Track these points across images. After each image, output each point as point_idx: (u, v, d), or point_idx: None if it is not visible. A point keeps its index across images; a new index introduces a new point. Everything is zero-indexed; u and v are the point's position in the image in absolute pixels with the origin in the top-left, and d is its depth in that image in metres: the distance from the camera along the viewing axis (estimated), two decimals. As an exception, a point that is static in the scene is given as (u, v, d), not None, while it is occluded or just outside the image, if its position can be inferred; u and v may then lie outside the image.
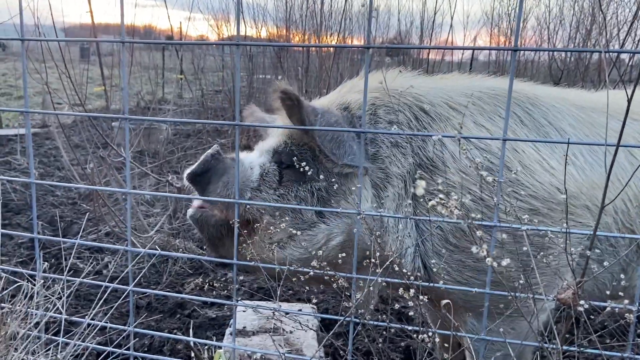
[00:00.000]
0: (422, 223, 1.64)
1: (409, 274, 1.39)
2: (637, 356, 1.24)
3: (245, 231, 1.59)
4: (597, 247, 1.73)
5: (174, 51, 11.74)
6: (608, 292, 1.68)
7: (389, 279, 1.41)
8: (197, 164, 1.71)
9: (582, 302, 1.05)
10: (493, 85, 1.77)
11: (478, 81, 1.84)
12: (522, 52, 7.68)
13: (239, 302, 2.01)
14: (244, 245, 1.56)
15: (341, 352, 2.18)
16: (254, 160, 1.76)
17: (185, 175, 1.72)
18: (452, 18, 6.38)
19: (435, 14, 7.17)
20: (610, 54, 6.22)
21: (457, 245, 1.61)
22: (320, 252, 1.60)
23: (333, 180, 1.63)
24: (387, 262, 1.40)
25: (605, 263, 1.35)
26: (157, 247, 2.92)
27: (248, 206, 1.60)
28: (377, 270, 1.37)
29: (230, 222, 1.57)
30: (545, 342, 1.24)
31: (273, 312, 1.53)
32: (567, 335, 1.26)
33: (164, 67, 10.94)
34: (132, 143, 4.33)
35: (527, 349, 1.76)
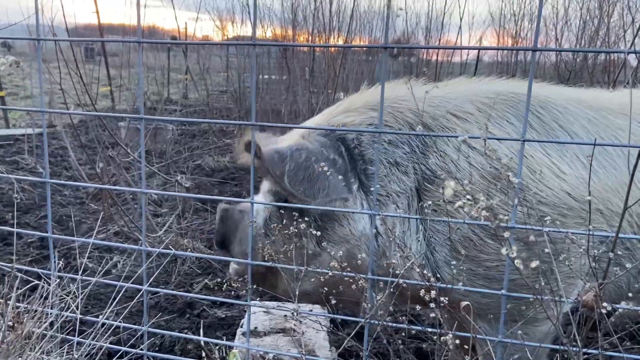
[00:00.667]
0: (430, 235, 1.64)
1: (429, 275, 1.39)
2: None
3: (270, 273, 1.73)
4: (615, 251, 1.72)
5: (179, 52, 11.79)
6: (631, 295, 1.67)
7: (409, 281, 1.41)
8: (215, 234, 1.82)
9: (604, 304, 1.04)
10: (500, 90, 1.75)
11: (484, 86, 1.81)
12: (525, 53, 7.68)
13: (253, 302, 2.01)
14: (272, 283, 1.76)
15: (353, 352, 2.18)
16: (258, 205, 1.78)
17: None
18: (461, 19, 6.37)
19: (444, 14, 7.16)
20: (619, 55, 6.21)
21: (467, 255, 1.60)
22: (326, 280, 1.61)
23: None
24: (409, 264, 1.40)
25: (628, 265, 1.34)
26: (170, 246, 2.92)
27: (265, 253, 1.62)
28: (397, 271, 1.36)
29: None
30: (565, 345, 1.23)
31: (291, 313, 1.53)
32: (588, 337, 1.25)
33: (169, 67, 10.96)
34: (139, 143, 4.35)
35: (542, 354, 1.75)
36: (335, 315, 1.74)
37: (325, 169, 1.55)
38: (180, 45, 10.16)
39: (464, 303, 1.33)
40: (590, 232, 1.17)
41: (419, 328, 1.36)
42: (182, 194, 2.55)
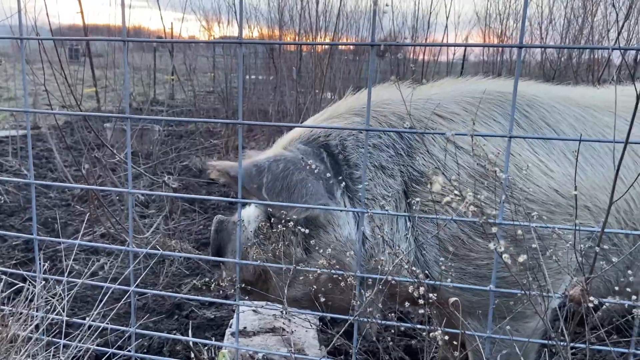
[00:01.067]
0: (420, 235, 1.64)
1: (417, 271, 1.39)
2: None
3: (261, 281, 1.75)
4: (601, 246, 1.73)
5: (165, 52, 11.70)
6: (617, 288, 1.69)
7: (397, 277, 1.41)
8: (210, 245, 1.83)
9: (591, 298, 1.05)
10: (486, 89, 1.75)
11: (470, 86, 1.82)
12: (511, 52, 7.76)
13: (241, 302, 2.00)
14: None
15: (343, 350, 2.18)
16: (251, 214, 1.80)
17: None
18: (447, 18, 6.40)
19: (430, 13, 7.19)
20: (603, 52, 6.29)
21: (456, 254, 1.61)
22: (315, 286, 1.61)
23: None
24: (397, 260, 1.41)
25: (614, 259, 1.36)
26: (158, 247, 2.90)
27: (258, 269, 1.64)
28: (387, 268, 1.36)
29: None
30: (553, 339, 1.24)
31: (280, 312, 1.53)
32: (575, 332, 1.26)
33: (155, 68, 10.88)
34: (125, 144, 4.30)
35: (531, 350, 1.77)
36: (323, 314, 1.74)
37: (302, 176, 1.56)
38: (166, 45, 10.09)
39: (452, 299, 1.34)
40: (577, 228, 1.18)
41: (408, 325, 1.36)
42: (169, 193, 2.53)
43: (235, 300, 1.63)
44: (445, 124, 1.70)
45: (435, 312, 2.01)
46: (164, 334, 1.70)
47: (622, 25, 4.46)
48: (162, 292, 1.85)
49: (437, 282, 1.45)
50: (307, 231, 1.62)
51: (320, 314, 1.81)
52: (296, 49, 8.22)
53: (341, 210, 1.63)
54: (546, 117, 1.74)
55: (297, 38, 8.71)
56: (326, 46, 6.94)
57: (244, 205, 1.88)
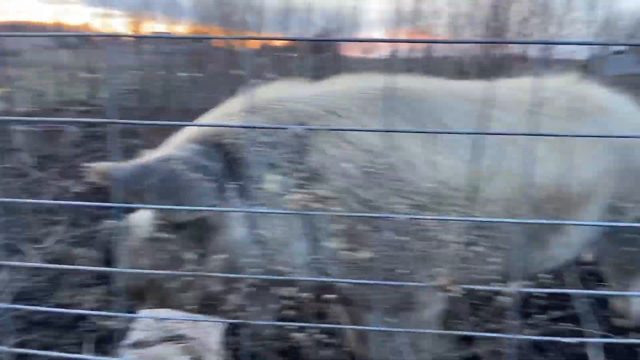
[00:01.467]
0: (319, 233, 1.62)
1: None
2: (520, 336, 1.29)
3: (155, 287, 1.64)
4: (485, 234, 1.78)
5: (85, 50, 11.16)
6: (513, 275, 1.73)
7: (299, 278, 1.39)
8: (101, 251, 1.70)
9: (455, 286, 1.06)
10: (378, 86, 1.76)
11: (363, 83, 1.82)
12: (435, 48, 7.98)
13: (133, 312, 1.92)
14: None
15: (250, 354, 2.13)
16: (143, 218, 1.69)
17: None
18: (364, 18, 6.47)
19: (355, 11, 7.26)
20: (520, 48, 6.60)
21: (352, 249, 1.60)
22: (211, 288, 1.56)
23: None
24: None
25: (480, 249, 1.39)
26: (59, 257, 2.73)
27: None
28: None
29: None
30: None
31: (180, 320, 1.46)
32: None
33: (75, 66, 10.35)
34: (34, 147, 4.05)
35: (424, 338, 1.79)
36: (220, 320, 1.69)
37: (192, 177, 1.49)
38: (88, 41, 9.64)
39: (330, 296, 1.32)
40: (461, 218, 1.19)
41: (292, 324, 1.33)
42: (45, 201, 2.38)
43: (128, 311, 1.55)
44: (337, 120, 1.69)
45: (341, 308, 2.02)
46: (47, 352, 1.58)
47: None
48: (41, 308, 1.73)
49: (323, 279, 1.43)
50: (199, 234, 1.57)
51: (218, 320, 1.76)
52: (224, 47, 8.07)
53: (224, 211, 1.57)
54: (435, 112, 1.77)
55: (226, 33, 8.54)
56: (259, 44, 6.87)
57: (135, 209, 1.79)
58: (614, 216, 2.05)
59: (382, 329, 1.44)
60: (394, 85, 1.82)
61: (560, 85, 2.16)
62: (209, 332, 1.96)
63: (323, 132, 1.64)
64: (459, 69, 7.72)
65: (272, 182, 1.24)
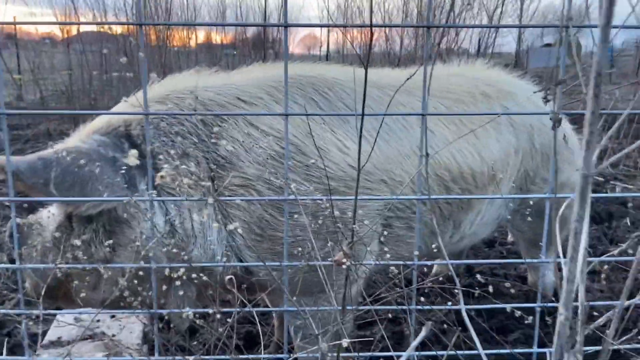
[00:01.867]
0: (225, 219, 1.63)
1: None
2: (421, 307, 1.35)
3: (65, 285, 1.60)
4: (399, 215, 1.85)
5: (13, 50, 10.63)
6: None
7: (206, 263, 1.39)
8: (5, 250, 1.65)
9: (347, 261, 1.10)
10: (293, 73, 1.78)
11: (273, 71, 1.84)
12: (374, 44, 8.16)
13: (46, 311, 1.86)
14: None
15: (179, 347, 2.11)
16: (49, 214, 1.65)
17: None
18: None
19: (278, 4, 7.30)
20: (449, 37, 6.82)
21: (263, 235, 1.62)
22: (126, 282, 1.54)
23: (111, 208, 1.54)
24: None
25: (366, 222, 1.44)
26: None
27: (60, 273, 1.48)
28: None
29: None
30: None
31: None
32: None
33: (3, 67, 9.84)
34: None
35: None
36: (135, 311, 1.66)
37: (97, 168, 1.47)
38: (11, 44, 9.21)
39: (227, 277, 1.34)
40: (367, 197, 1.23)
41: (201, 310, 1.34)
42: None
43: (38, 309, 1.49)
44: (248, 107, 1.70)
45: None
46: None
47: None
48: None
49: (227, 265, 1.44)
50: (108, 228, 1.54)
51: (133, 312, 1.74)
52: (156, 46, 7.90)
53: (130, 201, 1.55)
54: (345, 98, 1.81)
55: (159, 34, 8.37)
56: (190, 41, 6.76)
57: (42, 204, 1.74)
58: (523, 193, 2.17)
59: (311, 309, 1.46)
60: (307, 72, 1.86)
61: (469, 72, 2.26)
62: (130, 328, 1.94)
63: (233, 119, 1.65)
64: (394, 63, 7.90)
65: (131, 157, 1.24)
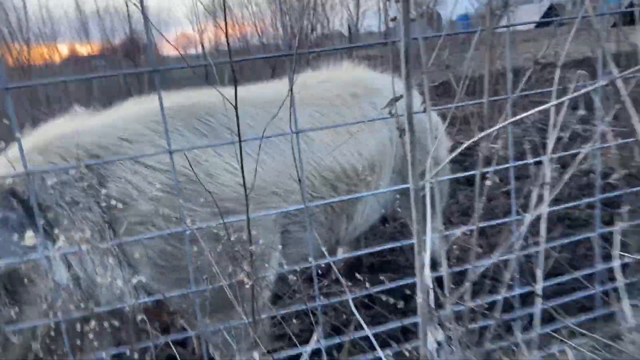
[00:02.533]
0: (132, 258, 1.67)
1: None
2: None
3: None
4: (295, 220, 1.99)
5: None
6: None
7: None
8: None
9: (249, 280, 1.22)
10: (168, 105, 1.82)
11: (151, 104, 1.86)
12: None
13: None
14: None
15: None
16: None
17: None
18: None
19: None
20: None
21: (167, 267, 1.69)
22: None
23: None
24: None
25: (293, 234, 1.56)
26: None
27: None
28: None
29: None
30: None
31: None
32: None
33: None
34: None
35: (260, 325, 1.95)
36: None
37: None
38: None
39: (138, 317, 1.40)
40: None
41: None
42: None
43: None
44: (131, 146, 1.72)
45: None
46: None
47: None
48: None
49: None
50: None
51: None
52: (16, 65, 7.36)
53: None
54: (226, 122, 1.89)
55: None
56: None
57: None
58: (403, 177, 2.41)
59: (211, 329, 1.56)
60: (186, 102, 1.91)
61: (337, 76, 2.44)
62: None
63: (119, 160, 1.67)
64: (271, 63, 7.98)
65: (28, 239, 1.28)
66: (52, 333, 1.42)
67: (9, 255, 1.50)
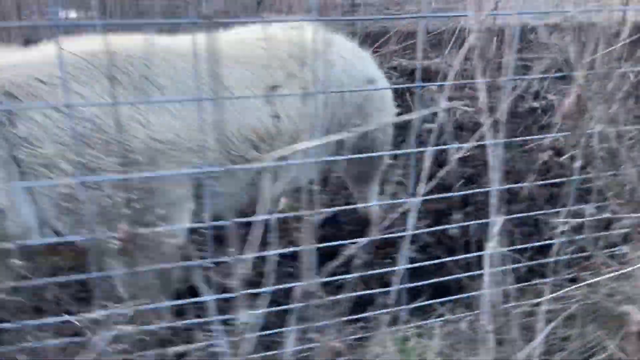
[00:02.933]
0: (37, 196, 1.72)
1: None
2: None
3: None
4: (213, 175, 2.02)
5: None
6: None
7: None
8: None
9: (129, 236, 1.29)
10: (91, 50, 1.81)
11: (76, 46, 1.82)
12: None
13: None
14: None
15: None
16: None
17: None
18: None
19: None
20: None
21: (72, 210, 1.74)
22: None
23: None
24: None
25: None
26: None
27: None
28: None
29: None
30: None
31: None
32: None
33: None
34: None
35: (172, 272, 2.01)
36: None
37: None
38: None
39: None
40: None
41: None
42: None
43: None
44: (46, 88, 1.72)
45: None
46: None
47: None
48: None
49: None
50: None
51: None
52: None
53: None
54: (146, 72, 1.87)
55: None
56: None
57: None
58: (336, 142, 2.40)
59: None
60: (104, 48, 1.89)
61: (281, 34, 2.38)
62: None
63: (30, 101, 1.68)
64: None
65: None
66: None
67: None
